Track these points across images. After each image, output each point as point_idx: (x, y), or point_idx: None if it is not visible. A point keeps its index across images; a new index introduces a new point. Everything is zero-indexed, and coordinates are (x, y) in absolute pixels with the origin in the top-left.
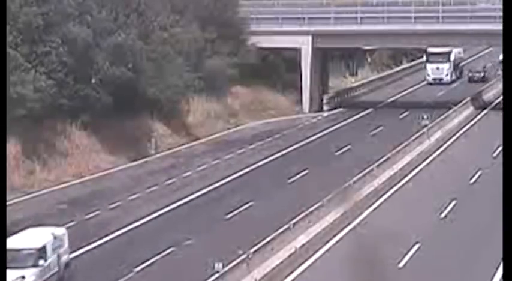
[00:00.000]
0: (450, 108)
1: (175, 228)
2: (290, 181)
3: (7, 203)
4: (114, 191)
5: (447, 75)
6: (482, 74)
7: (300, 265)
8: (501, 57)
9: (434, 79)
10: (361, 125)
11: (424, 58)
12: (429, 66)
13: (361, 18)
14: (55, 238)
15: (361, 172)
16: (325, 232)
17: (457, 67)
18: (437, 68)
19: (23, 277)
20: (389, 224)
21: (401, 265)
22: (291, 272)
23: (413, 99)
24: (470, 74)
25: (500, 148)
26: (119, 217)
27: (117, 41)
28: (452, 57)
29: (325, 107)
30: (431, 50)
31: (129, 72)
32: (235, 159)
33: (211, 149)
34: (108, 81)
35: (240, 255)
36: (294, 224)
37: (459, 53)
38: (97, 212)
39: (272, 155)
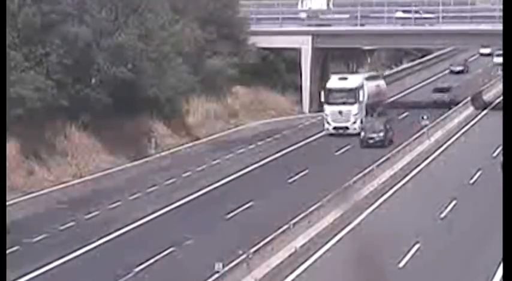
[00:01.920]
0: (450, 108)
1: (175, 228)
2: (290, 181)
3: (7, 203)
4: (114, 191)
5: (355, 122)
6: (382, 135)
7: (300, 265)
8: (434, 96)
9: (336, 128)
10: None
11: (322, 96)
12: (328, 109)
13: (361, 18)
14: None
15: (361, 172)
16: (325, 232)
17: (374, 108)
18: (340, 112)
19: None
20: (389, 224)
21: (401, 264)
22: (291, 273)
23: (413, 99)
24: (363, 135)
25: (500, 147)
26: (119, 217)
27: (117, 41)
28: (363, 95)
29: None
30: (331, 83)
31: (129, 73)
32: (236, 159)
33: (212, 149)
34: (108, 82)
35: (240, 255)
36: (294, 224)
37: (377, 86)
38: (97, 212)
39: (272, 155)
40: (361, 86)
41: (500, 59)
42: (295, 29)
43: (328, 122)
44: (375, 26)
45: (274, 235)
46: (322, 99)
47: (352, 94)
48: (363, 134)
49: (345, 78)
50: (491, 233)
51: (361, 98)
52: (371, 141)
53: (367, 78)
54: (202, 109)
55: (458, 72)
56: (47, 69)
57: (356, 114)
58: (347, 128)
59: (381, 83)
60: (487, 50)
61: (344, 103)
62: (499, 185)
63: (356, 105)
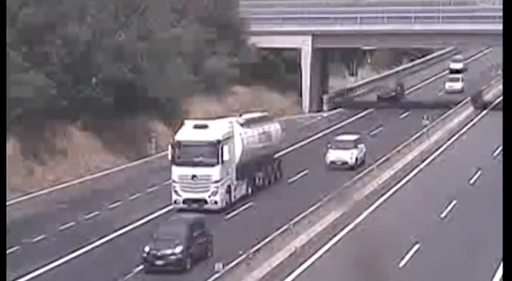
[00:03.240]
0: (450, 108)
1: None
2: (290, 180)
3: (7, 203)
4: (114, 191)
5: (216, 193)
6: (179, 250)
7: (300, 265)
8: (331, 155)
9: (188, 202)
10: (361, 125)
11: (169, 152)
12: (177, 172)
13: (361, 18)
14: None
15: (360, 172)
16: (326, 231)
17: (260, 167)
18: (194, 178)
19: None
20: (390, 223)
21: (401, 264)
22: (290, 273)
23: (413, 99)
24: (147, 251)
25: (500, 147)
26: (119, 217)
27: (118, 41)
28: (232, 151)
29: (325, 107)
30: (183, 134)
31: (130, 73)
32: None
33: None
34: (109, 82)
35: (240, 255)
36: (294, 224)
37: (264, 134)
38: (97, 212)
39: None
40: (229, 138)
41: (456, 85)
42: (295, 29)
43: (176, 192)
44: (375, 26)
45: (274, 235)
46: (169, 158)
47: (212, 150)
48: (147, 249)
49: (204, 127)
50: (490, 233)
51: (227, 156)
52: (160, 262)
53: (246, 124)
54: (202, 109)
55: (386, 99)
56: (48, 69)
57: (218, 181)
58: (205, 201)
59: (273, 127)
60: (458, 65)
61: (200, 164)
62: None
63: (218, 167)
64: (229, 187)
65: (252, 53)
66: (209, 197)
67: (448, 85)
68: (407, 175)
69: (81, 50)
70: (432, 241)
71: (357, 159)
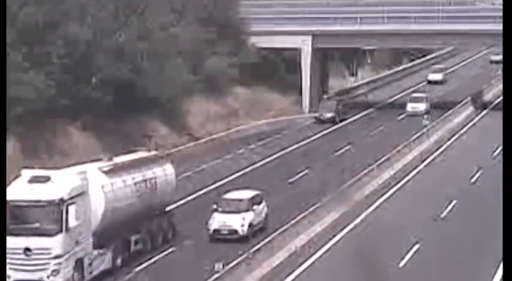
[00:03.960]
0: (450, 109)
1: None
2: (291, 180)
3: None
4: None
5: (57, 272)
6: None
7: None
8: (215, 221)
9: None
10: (361, 126)
11: None
12: (9, 244)
13: (361, 18)
14: None
15: (361, 171)
16: (324, 232)
17: (136, 230)
18: (27, 252)
19: None
20: (390, 223)
21: (401, 264)
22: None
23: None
24: None
25: (500, 147)
26: None
27: (117, 41)
28: (83, 213)
29: None
30: (14, 191)
31: (129, 73)
32: (235, 159)
33: (211, 149)
34: (108, 82)
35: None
36: (294, 224)
37: (148, 182)
38: None
39: (272, 155)
40: (81, 194)
41: (419, 106)
42: (295, 29)
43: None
44: (375, 26)
45: (274, 235)
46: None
47: (52, 213)
48: None
49: (43, 180)
50: (490, 234)
51: (74, 221)
52: None
53: (113, 171)
54: (202, 109)
55: (325, 121)
56: (47, 69)
57: (61, 256)
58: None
59: (161, 172)
60: (438, 76)
61: (35, 233)
62: None
63: (61, 237)
64: (80, 261)
65: (252, 53)
66: (48, 278)
67: (410, 106)
68: (408, 174)
69: (81, 50)
70: (432, 241)
71: (251, 225)
